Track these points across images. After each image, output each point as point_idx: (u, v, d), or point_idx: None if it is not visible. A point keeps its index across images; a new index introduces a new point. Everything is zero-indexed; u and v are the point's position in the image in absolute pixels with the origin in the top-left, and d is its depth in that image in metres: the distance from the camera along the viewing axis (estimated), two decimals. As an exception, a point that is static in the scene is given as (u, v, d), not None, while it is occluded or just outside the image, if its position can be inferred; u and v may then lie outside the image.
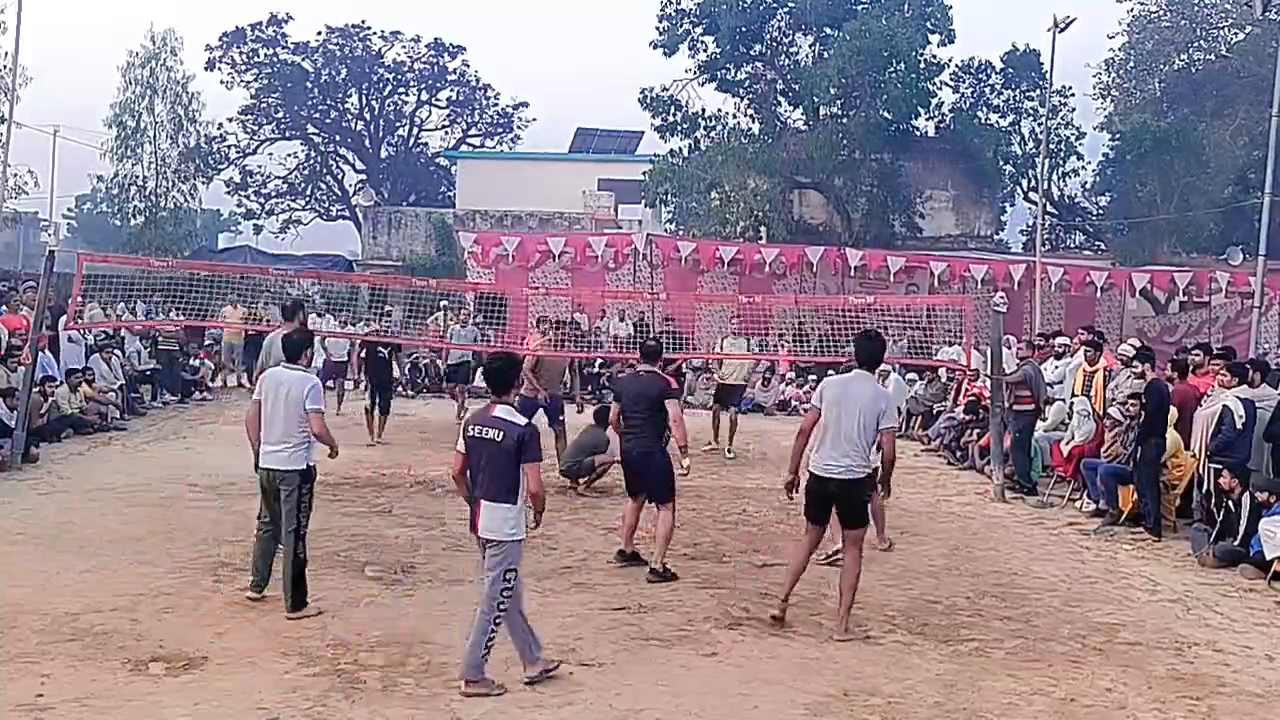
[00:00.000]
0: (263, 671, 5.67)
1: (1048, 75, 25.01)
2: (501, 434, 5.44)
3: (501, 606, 5.46)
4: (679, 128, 27.76)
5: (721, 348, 15.72)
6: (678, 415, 8.20)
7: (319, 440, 6.84)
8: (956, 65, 28.59)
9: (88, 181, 40.22)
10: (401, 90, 41.81)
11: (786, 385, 20.93)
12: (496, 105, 42.82)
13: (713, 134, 27.83)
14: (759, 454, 14.60)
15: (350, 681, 5.57)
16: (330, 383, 17.11)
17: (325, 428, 6.88)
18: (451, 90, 42.24)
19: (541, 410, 12.02)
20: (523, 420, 5.55)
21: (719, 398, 14.95)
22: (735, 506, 10.82)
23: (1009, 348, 14.30)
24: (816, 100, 26.69)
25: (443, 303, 20.28)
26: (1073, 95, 29.51)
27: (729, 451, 14.20)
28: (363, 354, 15.54)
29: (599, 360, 21.28)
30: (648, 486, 8.04)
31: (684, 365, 17.75)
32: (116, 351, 16.04)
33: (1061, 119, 28.47)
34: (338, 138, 41.77)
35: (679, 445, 8.13)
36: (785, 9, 27.63)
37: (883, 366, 18.85)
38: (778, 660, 6.20)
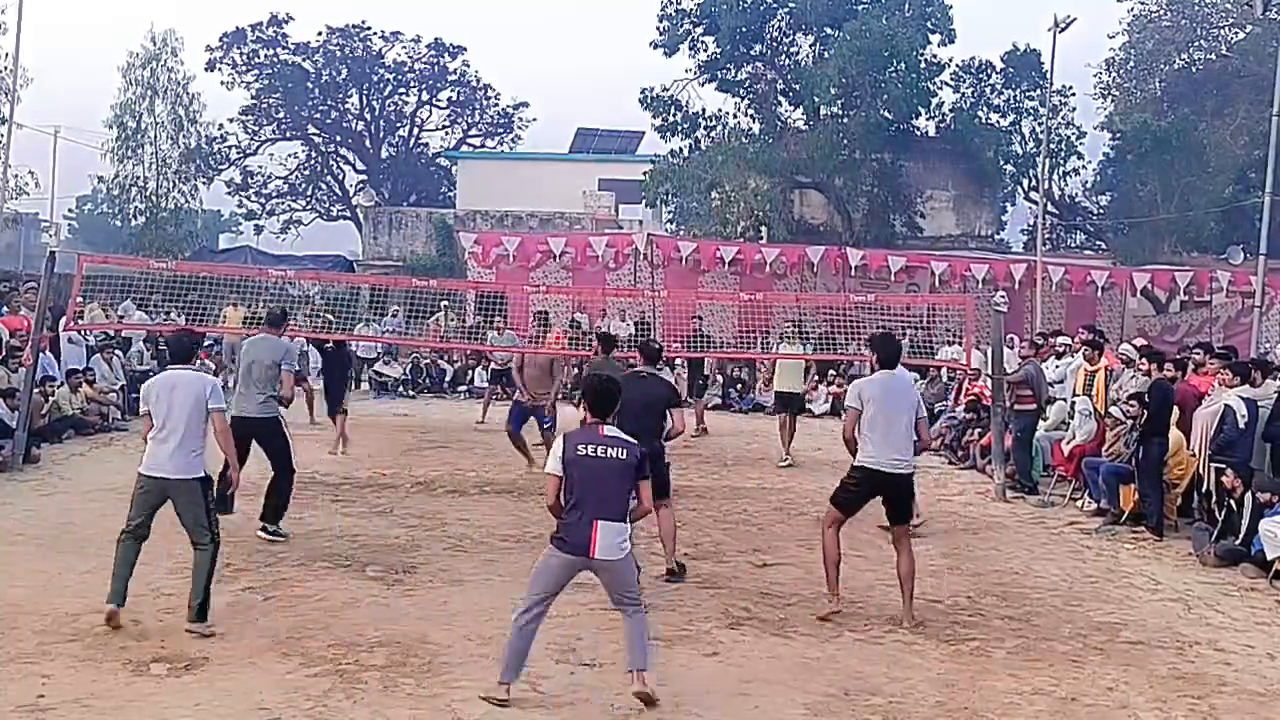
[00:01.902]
0: (264, 672, 5.67)
1: (1048, 75, 25.04)
2: (625, 452, 5.42)
3: (641, 602, 5.57)
4: (679, 128, 27.76)
5: (778, 350, 15.51)
6: (683, 425, 8.39)
7: (220, 445, 6.52)
8: (957, 65, 28.60)
9: (88, 182, 40.23)
10: (402, 90, 41.82)
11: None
12: (497, 105, 42.87)
13: (713, 134, 27.83)
14: (760, 454, 14.59)
15: (351, 682, 5.57)
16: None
17: (228, 430, 6.62)
18: (452, 90, 42.26)
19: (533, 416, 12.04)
20: (631, 438, 5.58)
21: (778, 406, 14.46)
22: (736, 506, 10.82)
23: (1010, 347, 14.29)
24: (817, 100, 26.69)
25: (443, 303, 20.31)
26: (1073, 95, 29.56)
27: (784, 458, 13.57)
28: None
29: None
30: (655, 487, 7.98)
31: (677, 362, 17.71)
32: (117, 352, 16.05)
33: (1062, 119, 28.47)
34: (338, 138, 41.79)
35: (671, 434, 8.27)
36: (785, 9, 27.63)
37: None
38: (778, 660, 6.20)
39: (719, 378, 21.23)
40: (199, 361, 18.31)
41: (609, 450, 5.40)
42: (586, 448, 5.41)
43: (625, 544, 5.41)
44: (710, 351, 17.76)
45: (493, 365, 17.83)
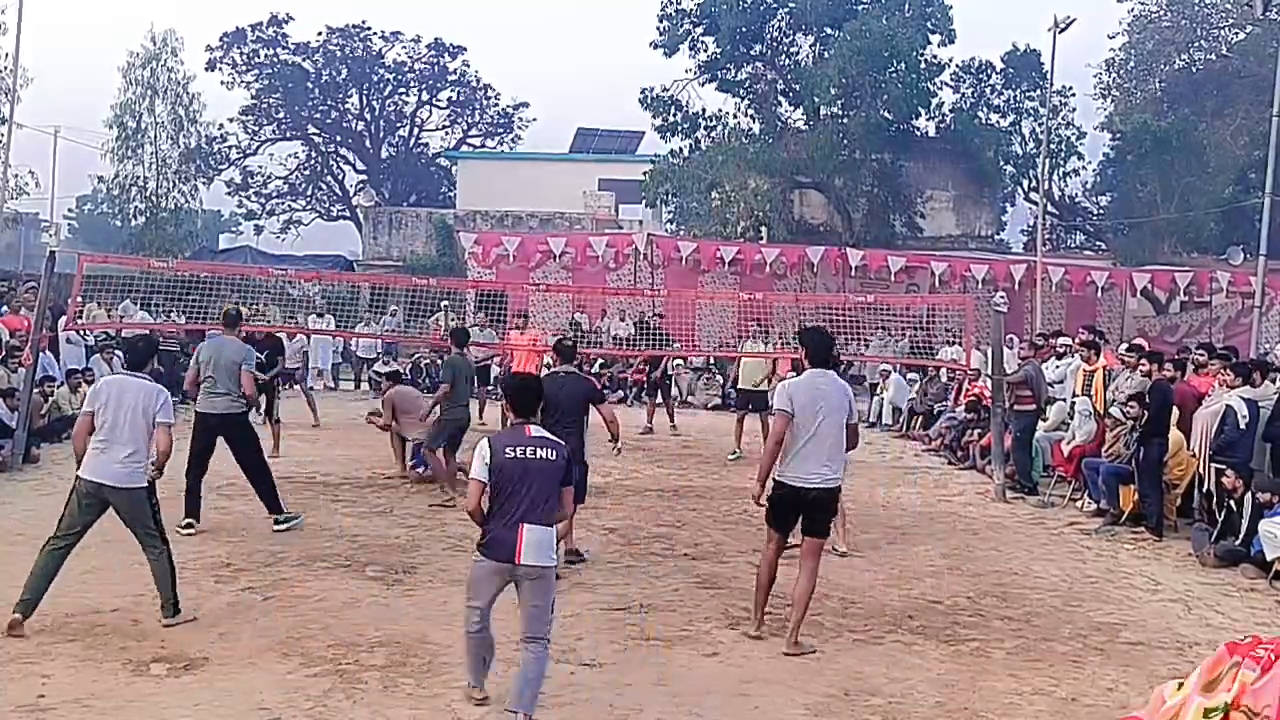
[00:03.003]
0: (264, 672, 5.67)
1: (1048, 75, 25.05)
2: (555, 453, 5.17)
3: (549, 640, 5.19)
4: (679, 128, 27.76)
5: (742, 349, 15.65)
6: (613, 415, 8.27)
7: (159, 459, 6.36)
8: (957, 65, 28.61)
9: (88, 182, 40.25)
10: (402, 90, 41.82)
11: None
12: (497, 105, 42.86)
13: (713, 134, 27.83)
14: (759, 454, 14.58)
15: (351, 682, 5.58)
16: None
17: (171, 444, 6.41)
18: (452, 90, 42.25)
19: None
20: (561, 440, 5.40)
21: (740, 404, 14.83)
22: (736, 506, 10.80)
23: (1010, 347, 14.30)
24: (817, 100, 26.69)
25: (443, 303, 20.31)
26: (1073, 95, 29.56)
27: (734, 452, 14.10)
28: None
29: (599, 360, 21.32)
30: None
31: (668, 364, 17.71)
32: (117, 352, 16.04)
33: (1062, 119, 28.47)
34: (338, 138, 41.78)
35: (614, 435, 8.24)
36: (785, 9, 27.63)
37: (883, 366, 19.08)
38: (778, 660, 6.20)
39: (719, 378, 21.24)
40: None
41: (538, 451, 5.15)
42: (515, 449, 5.14)
43: (553, 552, 5.17)
44: (669, 350, 17.79)
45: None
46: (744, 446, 14.12)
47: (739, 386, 14.99)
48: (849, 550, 8.74)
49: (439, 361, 21.66)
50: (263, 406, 12.76)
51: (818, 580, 6.54)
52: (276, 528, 8.74)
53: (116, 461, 6.19)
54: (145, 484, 6.30)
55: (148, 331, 15.91)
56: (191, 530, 8.58)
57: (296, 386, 16.63)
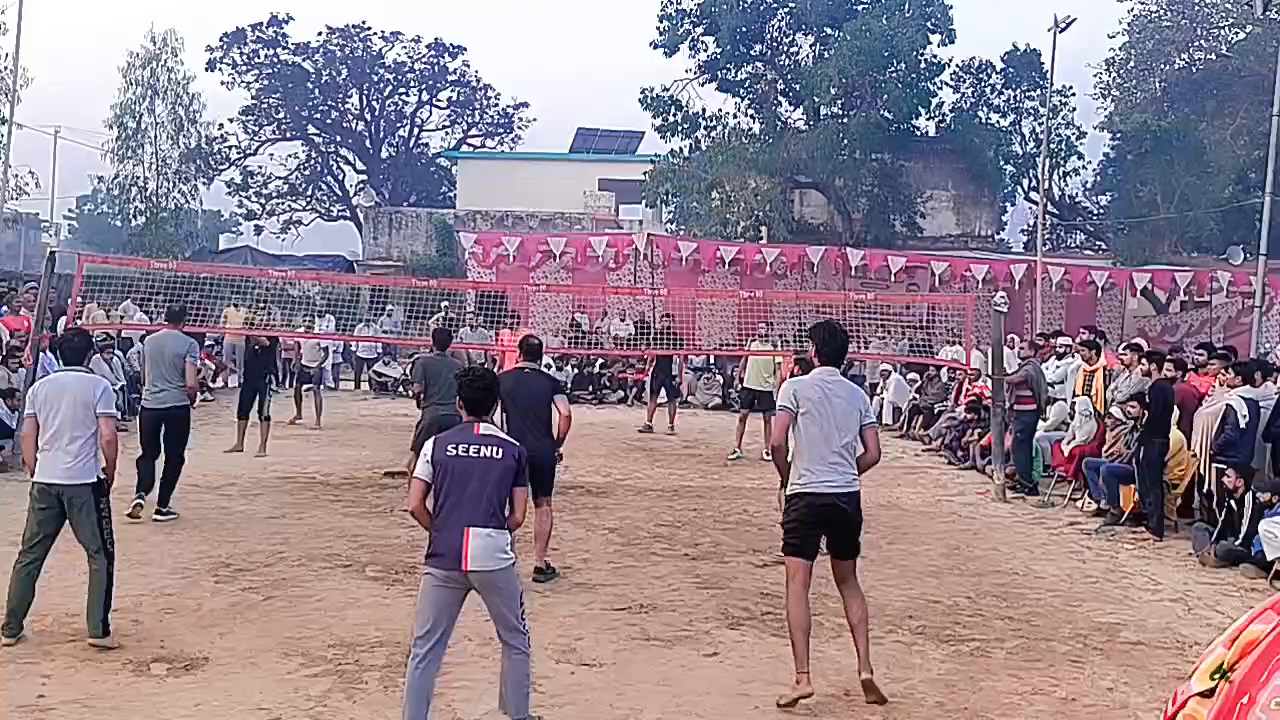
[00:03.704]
0: (264, 672, 5.67)
1: (1048, 75, 25.06)
2: (501, 451, 4.88)
3: (527, 633, 4.94)
4: (679, 128, 27.75)
5: (749, 348, 15.64)
6: (568, 412, 8.01)
7: (104, 451, 6.17)
8: (957, 65, 28.62)
9: (88, 182, 40.33)
10: (402, 91, 41.80)
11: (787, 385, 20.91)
12: (497, 105, 42.85)
13: (713, 134, 27.82)
14: (760, 454, 14.59)
15: (351, 682, 5.58)
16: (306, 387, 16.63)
17: (115, 435, 6.25)
18: (452, 91, 42.24)
19: None
20: (513, 439, 5.20)
21: (745, 402, 14.77)
22: (736, 506, 10.82)
23: (1010, 347, 14.30)
24: (817, 100, 26.70)
25: (444, 303, 20.31)
26: (1073, 95, 29.55)
27: (735, 452, 14.11)
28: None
29: (599, 360, 21.34)
30: (539, 484, 7.52)
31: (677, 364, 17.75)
32: (117, 352, 16.04)
33: (1062, 119, 28.49)
34: (338, 138, 41.78)
35: (561, 435, 8.03)
36: (785, 9, 27.62)
37: (883, 366, 19.08)
38: (778, 660, 6.19)
39: (720, 378, 21.26)
40: (198, 363, 18.33)
41: (483, 449, 4.85)
42: (458, 448, 4.85)
43: (505, 554, 4.81)
44: (679, 350, 17.84)
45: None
46: (745, 447, 14.12)
47: (745, 385, 14.89)
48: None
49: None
50: (257, 404, 12.89)
51: (813, 583, 6.41)
52: (157, 517, 8.95)
53: (63, 460, 6.03)
54: (94, 480, 6.09)
55: (76, 329, 15.94)
56: (140, 509, 8.84)
57: (307, 387, 16.63)
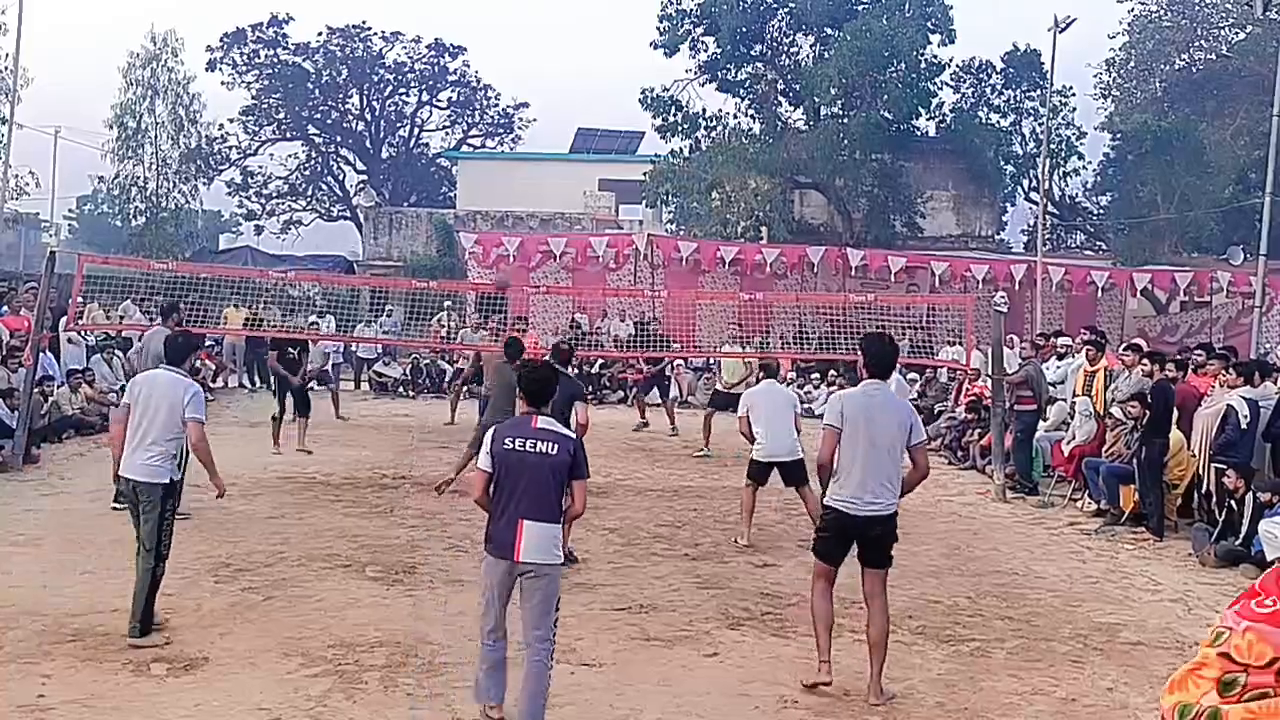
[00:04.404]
0: (264, 672, 5.67)
1: (1048, 75, 25.05)
2: (555, 447, 4.95)
3: (553, 642, 4.98)
4: (679, 128, 27.74)
5: (719, 350, 15.84)
6: (585, 420, 8.04)
7: (197, 457, 6.30)
8: (957, 65, 28.60)
9: (89, 182, 40.24)
10: (402, 91, 41.80)
11: (787, 386, 20.92)
12: (497, 106, 42.85)
13: (713, 134, 27.81)
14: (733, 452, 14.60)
15: (351, 682, 5.57)
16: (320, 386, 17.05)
17: (205, 440, 6.29)
18: (452, 91, 42.24)
19: None
20: (570, 432, 5.24)
21: (716, 403, 15.03)
22: (736, 506, 10.78)
23: (1011, 347, 14.31)
24: (817, 100, 26.68)
25: (447, 304, 20.32)
26: (1073, 95, 29.51)
27: (703, 450, 14.26)
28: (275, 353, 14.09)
29: (599, 360, 21.33)
30: None
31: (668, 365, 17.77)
32: (117, 352, 16.06)
33: (1062, 119, 28.46)
34: (338, 138, 41.78)
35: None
36: (785, 9, 27.61)
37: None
38: (778, 660, 6.20)
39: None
40: (198, 363, 18.37)
41: (538, 444, 4.94)
42: (514, 441, 4.96)
43: (557, 550, 4.99)
44: (668, 352, 17.89)
45: (461, 364, 17.91)
46: (715, 447, 14.22)
47: (716, 386, 15.46)
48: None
49: (439, 362, 21.76)
50: (289, 403, 13.16)
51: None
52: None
53: (142, 456, 6.16)
54: (166, 481, 6.18)
55: (184, 330, 16.08)
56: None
57: (327, 387, 16.78)
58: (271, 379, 13.75)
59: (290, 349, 13.66)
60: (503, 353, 8.48)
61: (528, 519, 4.89)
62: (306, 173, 41.78)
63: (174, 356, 6.62)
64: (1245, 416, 9.57)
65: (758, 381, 9.96)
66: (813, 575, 5.91)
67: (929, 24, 26.58)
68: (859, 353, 6.09)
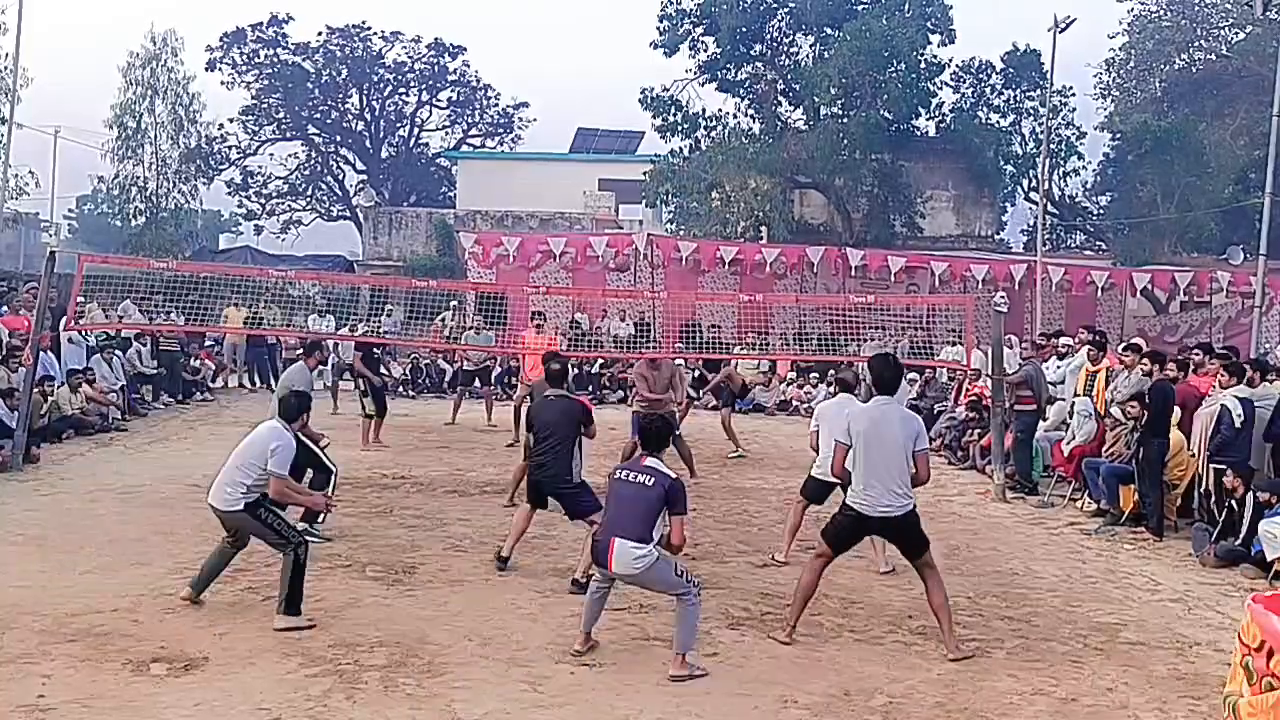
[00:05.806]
0: (264, 672, 5.66)
1: (1048, 75, 25.07)
2: (652, 480, 5.89)
3: (693, 584, 5.93)
4: (679, 128, 27.75)
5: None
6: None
7: (279, 500, 6.61)
8: (957, 65, 28.61)
9: (88, 182, 40.31)
10: (402, 90, 41.80)
11: (787, 386, 20.94)
12: (497, 105, 42.85)
13: (713, 134, 27.82)
14: (759, 454, 14.61)
15: (351, 682, 5.57)
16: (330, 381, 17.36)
17: (283, 491, 6.61)
18: (452, 90, 42.24)
19: None
20: (673, 473, 6.00)
21: (727, 401, 15.12)
22: (736, 506, 10.82)
23: (1011, 347, 14.31)
24: (817, 100, 26.69)
25: (453, 303, 20.31)
26: (1073, 95, 29.55)
27: (736, 452, 14.27)
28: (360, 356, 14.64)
29: (599, 360, 21.32)
30: (575, 508, 7.67)
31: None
32: (117, 352, 16.06)
33: (1062, 119, 28.48)
34: (338, 138, 41.78)
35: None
36: (785, 9, 27.63)
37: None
38: (778, 660, 6.20)
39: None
40: (198, 363, 18.26)
41: (640, 476, 5.93)
42: (624, 472, 6.04)
43: (640, 562, 5.77)
44: (657, 353, 17.93)
45: (463, 365, 17.90)
46: (715, 447, 14.31)
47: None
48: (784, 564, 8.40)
49: (439, 362, 21.75)
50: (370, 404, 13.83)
51: (821, 581, 6.60)
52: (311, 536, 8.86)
53: (223, 488, 6.56)
54: (240, 508, 6.50)
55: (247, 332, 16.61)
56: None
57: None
58: (359, 381, 14.22)
59: (375, 350, 14.59)
60: (548, 380, 8.30)
61: (619, 537, 5.81)
62: (306, 172, 41.78)
63: (285, 413, 6.91)
64: (1239, 416, 9.55)
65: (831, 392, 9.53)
66: (814, 552, 6.60)
67: (929, 24, 26.61)
68: (869, 373, 6.81)
